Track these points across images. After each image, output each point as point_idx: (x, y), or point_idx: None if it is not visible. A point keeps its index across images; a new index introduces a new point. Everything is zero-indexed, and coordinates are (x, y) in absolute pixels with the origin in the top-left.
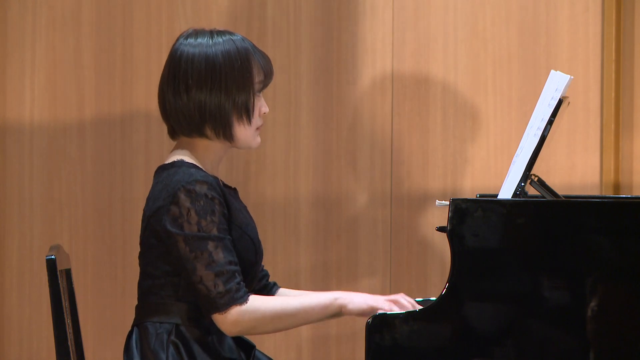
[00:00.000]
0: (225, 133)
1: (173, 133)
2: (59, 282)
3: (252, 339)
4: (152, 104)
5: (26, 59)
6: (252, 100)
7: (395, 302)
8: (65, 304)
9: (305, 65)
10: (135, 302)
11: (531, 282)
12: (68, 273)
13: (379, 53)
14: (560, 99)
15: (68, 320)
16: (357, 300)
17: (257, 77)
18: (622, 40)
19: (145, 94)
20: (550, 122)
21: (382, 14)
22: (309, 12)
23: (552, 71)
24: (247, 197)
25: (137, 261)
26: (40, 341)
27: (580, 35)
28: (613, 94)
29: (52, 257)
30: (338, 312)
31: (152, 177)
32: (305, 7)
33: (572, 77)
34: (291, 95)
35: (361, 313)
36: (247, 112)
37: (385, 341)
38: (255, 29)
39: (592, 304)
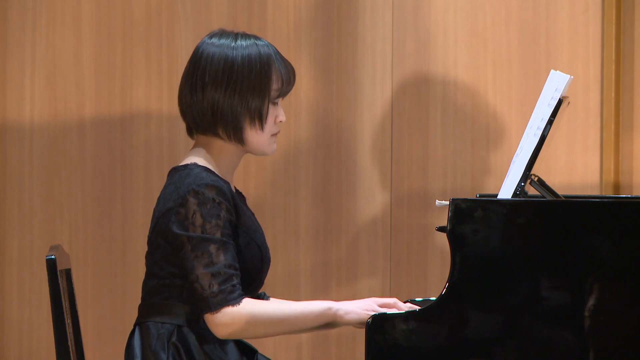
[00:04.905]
0: (236, 135)
1: (190, 131)
2: (59, 282)
3: (253, 342)
4: (152, 104)
5: (26, 59)
6: (266, 106)
7: (390, 307)
8: (65, 304)
9: (305, 65)
10: (136, 302)
11: (531, 282)
12: (68, 273)
13: (379, 53)
14: (560, 98)
15: (68, 320)
16: (352, 309)
17: (275, 85)
18: (622, 40)
19: (145, 94)
20: (550, 122)
21: (382, 14)
22: (309, 12)
23: (552, 71)
24: (247, 197)
25: (137, 261)
26: (40, 341)
27: (580, 35)
28: (613, 94)
29: (52, 257)
30: (333, 322)
31: (152, 177)
32: (305, 7)
33: (572, 77)
34: (291, 95)
35: (357, 322)
36: (259, 118)
37: (385, 341)
38: (255, 29)
39: (592, 303)
